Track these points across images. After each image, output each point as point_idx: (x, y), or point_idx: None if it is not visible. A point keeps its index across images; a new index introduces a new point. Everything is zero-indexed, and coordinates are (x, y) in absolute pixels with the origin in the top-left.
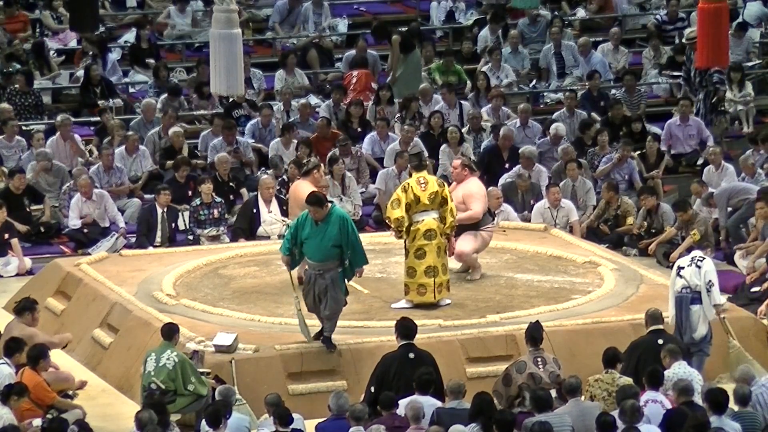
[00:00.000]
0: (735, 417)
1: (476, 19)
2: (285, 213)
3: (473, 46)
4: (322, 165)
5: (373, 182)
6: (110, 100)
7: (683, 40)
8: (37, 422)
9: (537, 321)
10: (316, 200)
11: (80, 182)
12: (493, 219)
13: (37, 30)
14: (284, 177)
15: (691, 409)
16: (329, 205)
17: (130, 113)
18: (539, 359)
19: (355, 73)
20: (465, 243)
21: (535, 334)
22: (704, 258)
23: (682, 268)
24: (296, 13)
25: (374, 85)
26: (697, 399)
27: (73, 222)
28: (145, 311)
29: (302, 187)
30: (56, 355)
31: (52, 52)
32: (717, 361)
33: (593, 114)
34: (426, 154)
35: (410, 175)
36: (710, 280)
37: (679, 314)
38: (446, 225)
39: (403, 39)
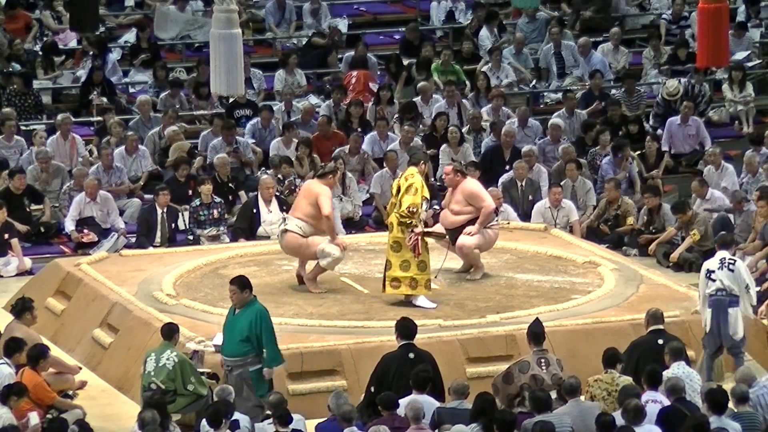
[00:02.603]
0: (735, 417)
1: (471, 20)
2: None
3: (473, 46)
4: (339, 172)
5: None
6: (94, 98)
7: (664, 95)
8: (34, 420)
9: (537, 318)
10: (239, 283)
11: (87, 183)
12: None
13: (37, 30)
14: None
15: (684, 406)
16: (251, 295)
17: (126, 113)
18: (543, 360)
19: (354, 73)
20: (468, 236)
21: (536, 330)
22: (735, 260)
23: (713, 271)
24: (290, 10)
25: (374, 86)
26: (697, 399)
27: (69, 226)
28: (145, 311)
29: (314, 186)
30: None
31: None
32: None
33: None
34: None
35: None
36: (747, 282)
37: (716, 318)
38: (400, 209)
39: (407, 76)
